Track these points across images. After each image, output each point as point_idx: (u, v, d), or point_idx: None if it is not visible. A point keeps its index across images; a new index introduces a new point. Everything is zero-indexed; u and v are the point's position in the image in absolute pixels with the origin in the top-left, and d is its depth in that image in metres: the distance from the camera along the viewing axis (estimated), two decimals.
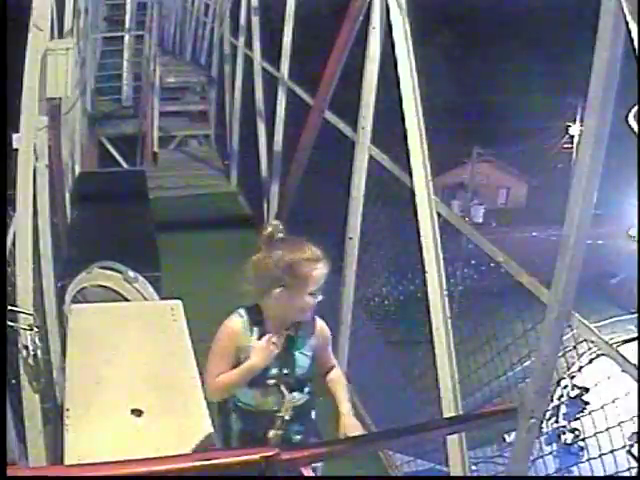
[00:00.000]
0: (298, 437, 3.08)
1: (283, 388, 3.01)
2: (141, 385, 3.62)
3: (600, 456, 3.73)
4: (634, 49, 2.73)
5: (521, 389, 4.02)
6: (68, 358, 3.86)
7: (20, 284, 4.07)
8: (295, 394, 3.04)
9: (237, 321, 3.04)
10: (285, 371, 3.02)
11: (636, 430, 4.16)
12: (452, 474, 4.38)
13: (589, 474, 4.13)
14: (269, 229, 3.01)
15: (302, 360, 3.07)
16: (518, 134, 29.14)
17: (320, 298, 2.98)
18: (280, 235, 3.00)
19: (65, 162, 7.58)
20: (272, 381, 3.01)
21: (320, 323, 3.15)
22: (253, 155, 9.61)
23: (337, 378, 3.25)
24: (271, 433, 2.97)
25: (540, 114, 30.05)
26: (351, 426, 3.04)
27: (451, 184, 29.86)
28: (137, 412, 3.40)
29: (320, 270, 2.94)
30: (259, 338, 2.98)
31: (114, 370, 3.71)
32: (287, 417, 3.00)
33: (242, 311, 3.07)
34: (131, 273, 5.45)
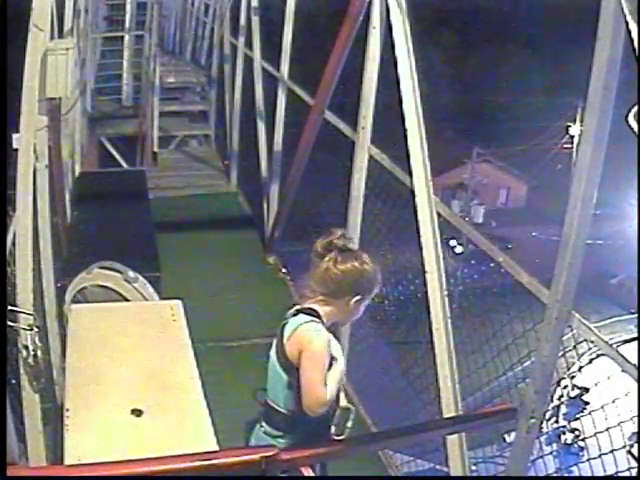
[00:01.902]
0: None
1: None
2: (141, 385, 3.62)
3: (600, 456, 3.73)
4: (634, 49, 2.73)
5: (521, 389, 4.02)
6: (68, 358, 3.85)
7: (20, 284, 4.06)
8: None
9: (323, 330, 3.06)
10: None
11: (636, 430, 4.16)
12: (452, 474, 4.38)
13: (589, 474, 4.13)
14: (342, 241, 3.15)
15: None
16: (518, 134, 29.15)
17: None
18: (350, 245, 3.18)
19: (65, 162, 7.57)
20: None
21: None
22: (253, 155, 9.61)
23: None
24: (333, 428, 3.05)
25: (540, 114, 30.06)
26: None
27: (451, 184, 29.88)
28: (137, 412, 3.39)
29: (380, 280, 3.23)
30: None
31: (114, 370, 3.71)
32: (351, 407, 3.12)
33: (313, 318, 3.08)
34: (131, 273, 5.45)
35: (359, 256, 3.16)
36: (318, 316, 3.07)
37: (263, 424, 3.14)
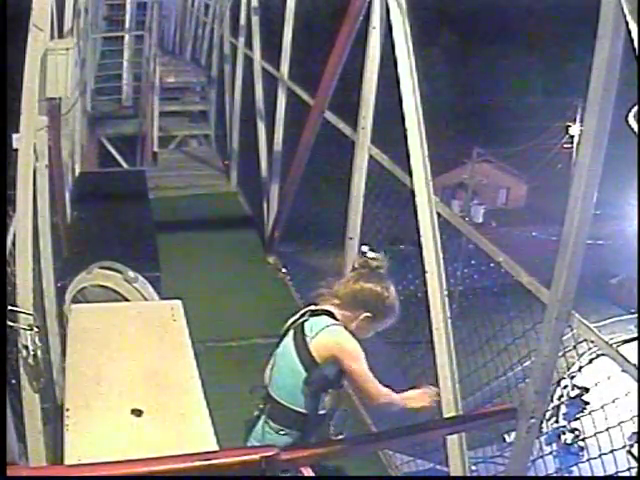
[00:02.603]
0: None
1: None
2: (141, 385, 3.62)
3: (600, 456, 3.73)
4: (634, 49, 2.73)
5: (521, 389, 4.02)
6: (68, 358, 3.85)
7: (20, 284, 4.06)
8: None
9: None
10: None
11: (636, 430, 4.16)
12: (452, 474, 4.38)
13: (589, 474, 4.13)
14: (376, 262, 3.28)
15: None
16: (518, 134, 29.16)
17: None
18: (381, 270, 3.27)
19: (65, 162, 7.57)
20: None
21: None
22: (253, 155, 9.60)
23: None
24: (332, 429, 3.12)
25: (540, 114, 30.07)
26: None
27: (451, 184, 29.89)
28: (137, 412, 3.39)
29: (398, 306, 3.30)
30: None
31: (114, 370, 3.71)
32: (348, 409, 3.23)
33: (332, 319, 3.21)
34: (131, 273, 5.45)
35: (384, 281, 3.28)
36: (335, 319, 3.18)
37: (268, 420, 3.15)
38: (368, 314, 3.22)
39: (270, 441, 3.15)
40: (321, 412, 3.14)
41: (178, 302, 4.45)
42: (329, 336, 3.10)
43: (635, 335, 20.52)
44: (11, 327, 3.97)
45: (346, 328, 3.20)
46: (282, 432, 3.13)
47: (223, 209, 10.18)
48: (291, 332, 3.21)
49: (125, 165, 13.04)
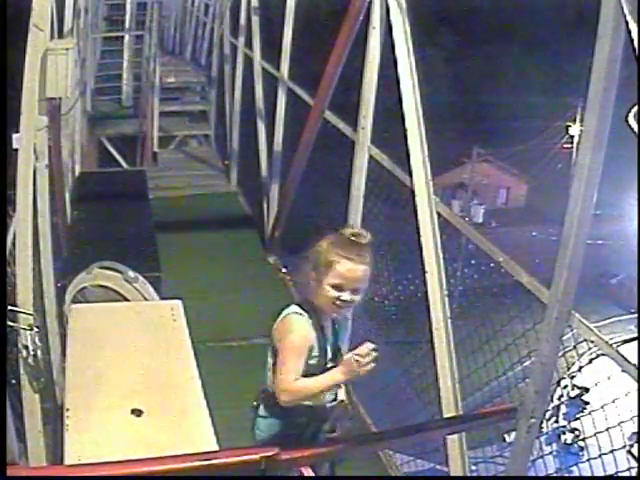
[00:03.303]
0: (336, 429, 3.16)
1: None
2: (141, 385, 3.62)
3: (600, 456, 3.73)
4: (634, 49, 2.73)
5: (521, 389, 4.02)
6: (68, 358, 3.86)
7: (20, 284, 4.06)
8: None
9: (302, 320, 3.05)
10: (333, 364, 3.07)
11: (636, 430, 4.16)
12: (452, 474, 4.38)
13: (589, 474, 4.13)
14: (348, 230, 3.07)
15: (344, 351, 3.14)
16: (518, 134, 29.15)
17: (347, 297, 2.99)
18: (352, 238, 3.03)
19: (65, 162, 7.57)
20: None
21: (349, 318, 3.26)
22: (253, 155, 9.61)
23: None
24: (327, 425, 3.05)
25: (540, 114, 30.07)
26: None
27: (451, 184, 29.88)
28: (137, 412, 3.40)
29: (347, 266, 2.97)
30: (318, 334, 3.06)
31: (114, 370, 3.71)
32: (350, 407, 3.11)
33: (297, 308, 3.08)
34: (131, 273, 5.45)
35: (336, 240, 3.04)
36: (312, 308, 3.07)
37: (260, 406, 3.17)
38: (313, 272, 3.04)
39: (260, 426, 3.16)
40: (319, 402, 3.07)
41: (178, 302, 4.45)
42: (282, 322, 3.06)
43: (635, 335, 20.52)
44: (11, 327, 3.97)
45: (325, 310, 3.05)
46: (268, 417, 3.13)
47: (223, 209, 10.18)
48: None
49: (125, 165, 13.04)
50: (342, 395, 3.16)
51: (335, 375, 2.93)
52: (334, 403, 3.10)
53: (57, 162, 6.39)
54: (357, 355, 2.81)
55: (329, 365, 3.06)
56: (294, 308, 3.08)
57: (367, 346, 2.83)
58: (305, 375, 2.96)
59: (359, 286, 3.01)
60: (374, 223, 5.96)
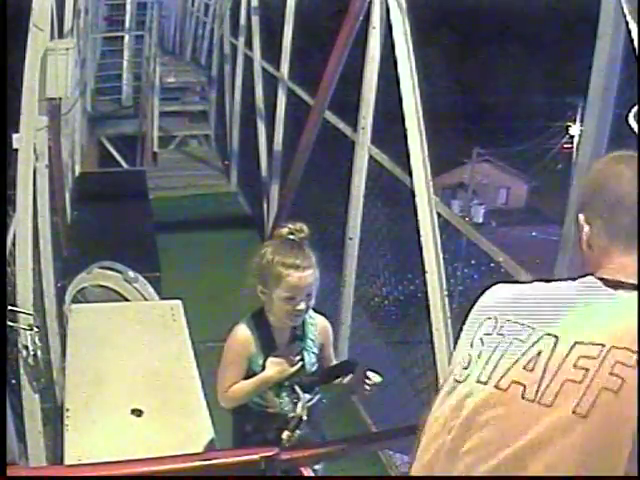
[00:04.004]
0: (308, 438, 3.05)
1: (297, 389, 3.01)
2: (141, 385, 3.62)
3: None
4: (634, 49, 2.73)
5: None
6: (68, 358, 3.86)
7: (20, 284, 4.07)
8: (307, 395, 3.03)
9: (244, 330, 3.04)
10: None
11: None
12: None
13: None
14: (284, 229, 2.99)
15: (310, 360, 3.07)
16: (518, 134, 29.14)
17: (302, 306, 2.92)
18: (290, 237, 2.96)
19: (65, 162, 7.57)
20: (286, 382, 3.01)
21: (322, 321, 3.15)
22: (253, 155, 9.61)
23: None
24: (285, 434, 2.95)
25: (540, 114, 30.07)
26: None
27: (451, 184, 29.87)
28: (137, 412, 3.40)
29: (295, 277, 2.87)
30: (266, 343, 3.00)
31: (114, 370, 3.71)
32: (304, 417, 2.99)
33: (247, 319, 3.08)
34: (131, 273, 5.46)
35: (278, 246, 2.94)
36: (262, 319, 3.03)
37: None
38: (259, 287, 2.96)
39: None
40: (276, 410, 3.01)
41: (178, 302, 4.45)
42: None
43: None
44: (11, 327, 3.98)
45: (280, 320, 2.99)
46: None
47: (223, 209, 10.19)
48: None
49: (125, 165, 13.04)
50: (299, 408, 3.00)
51: (265, 373, 2.95)
52: (292, 414, 2.99)
53: (57, 162, 6.39)
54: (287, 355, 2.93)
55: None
56: (244, 319, 3.08)
57: (298, 344, 2.96)
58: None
59: (311, 291, 2.94)
60: (374, 223, 5.96)
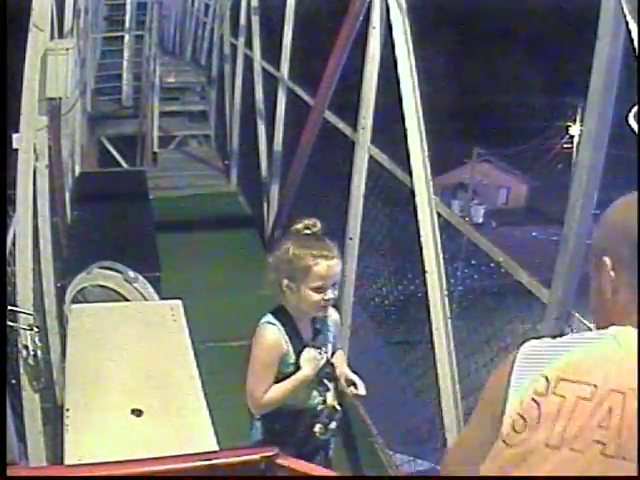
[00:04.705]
0: (335, 430, 3.11)
1: (326, 381, 3.04)
2: (141, 385, 3.62)
3: None
4: (634, 49, 2.73)
5: None
6: (68, 358, 3.85)
7: (20, 284, 4.07)
8: (334, 384, 3.09)
9: (273, 330, 3.02)
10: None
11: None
12: None
13: None
14: (299, 225, 3.03)
15: (329, 351, 3.11)
16: (518, 134, 29.16)
17: (331, 295, 2.98)
18: (307, 232, 3.01)
19: (65, 162, 7.58)
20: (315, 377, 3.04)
21: (334, 312, 3.20)
22: (253, 155, 9.61)
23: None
24: (317, 427, 3.00)
25: (540, 114, 30.08)
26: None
27: (451, 184, 29.90)
28: (137, 412, 3.39)
29: (324, 267, 2.94)
30: (295, 340, 3.01)
31: (114, 370, 3.71)
32: (337, 407, 3.03)
33: (271, 318, 3.06)
34: (131, 273, 5.46)
35: (300, 240, 3.00)
36: (286, 315, 3.05)
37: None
38: (285, 281, 3.00)
39: (254, 427, 3.19)
40: (307, 405, 3.04)
41: (178, 302, 4.45)
42: (255, 333, 3.10)
43: None
44: (11, 327, 3.98)
45: (304, 311, 3.03)
46: (258, 419, 3.13)
47: (223, 209, 10.18)
48: None
49: (125, 165, 13.05)
50: (330, 399, 3.08)
51: (303, 372, 2.96)
52: (323, 406, 3.04)
53: (57, 162, 6.39)
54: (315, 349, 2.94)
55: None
56: (267, 317, 3.06)
57: (321, 337, 2.98)
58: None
59: (337, 280, 3.02)
60: (374, 223, 5.96)
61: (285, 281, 3.00)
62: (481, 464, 1.54)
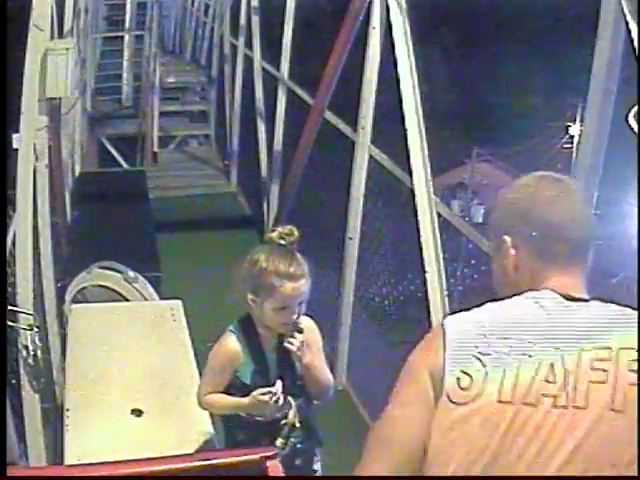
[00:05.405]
0: (302, 444, 3.03)
1: (289, 396, 2.96)
2: (141, 385, 3.62)
3: None
4: (634, 49, 2.73)
5: None
6: (68, 358, 3.86)
7: (20, 284, 4.07)
8: (299, 401, 2.99)
9: (231, 340, 2.97)
10: (286, 378, 2.96)
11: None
12: None
13: None
14: (274, 233, 2.91)
15: (299, 366, 3.00)
16: (518, 134, 29.13)
17: (294, 316, 2.86)
18: (281, 242, 2.88)
19: (65, 162, 7.58)
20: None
21: (306, 322, 3.01)
22: (253, 155, 9.61)
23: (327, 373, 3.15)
24: (278, 442, 2.92)
25: (540, 114, 30.07)
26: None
27: (451, 184, 29.87)
28: (137, 412, 3.40)
29: (289, 288, 2.81)
30: (255, 352, 2.96)
31: (114, 370, 3.71)
32: (297, 424, 2.95)
33: (234, 327, 3.01)
34: (131, 273, 5.45)
35: (269, 253, 2.85)
36: (251, 326, 2.98)
37: None
38: (250, 295, 2.87)
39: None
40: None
41: (178, 302, 4.45)
42: None
43: None
44: (11, 327, 3.98)
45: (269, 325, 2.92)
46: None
47: (223, 209, 10.18)
48: None
49: (125, 165, 13.05)
50: (291, 415, 2.96)
51: (240, 402, 2.90)
52: (284, 422, 2.95)
53: (57, 162, 6.39)
54: (262, 394, 2.81)
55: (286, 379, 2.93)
56: (232, 325, 3.02)
57: (276, 387, 2.82)
58: (248, 392, 2.88)
59: (303, 299, 2.88)
60: (374, 223, 5.96)
61: (250, 295, 2.89)
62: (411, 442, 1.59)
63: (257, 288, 2.87)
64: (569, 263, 1.66)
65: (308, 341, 2.99)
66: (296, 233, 2.90)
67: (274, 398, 2.84)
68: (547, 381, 1.53)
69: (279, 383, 2.86)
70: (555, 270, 1.65)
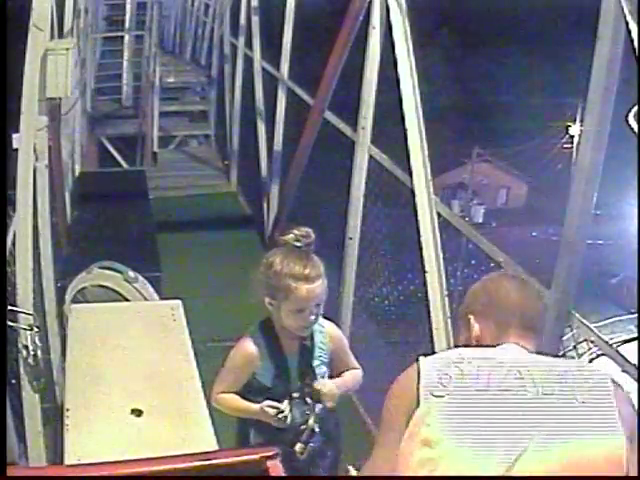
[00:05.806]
0: (324, 449, 3.04)
1: (308, 399, 2.97)
2: (141, 385, 3.61)
3: None
4: (634, 49, 2.73)
5: None
6: (68, 358, 3.85)
7: (20, 284, 4.07)
8: (319, 405, 2.99)
9: (251, 346, 2.98)
10: (307, 382, 2.98)
11: None
12: None
13: None
14: (290, 235, 2.91)
15: (320, 369, 3.03)
16: (518, 134, 29.14)
17: (312, 317, 2.89)
18: (297, 244, 2.89)
19: (65, 162, 7.58)
20: (296, 394, 2.98)
21: (331, 328, 3.11)
22: (253, 155, 9.61)
23: (351, 372, 3.22)
24: (298, 446, 2.92)
25: (540, 114, 30.07)
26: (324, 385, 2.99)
27: (451, 184, 29.87)
28: (137, 412, 3.39)
29: (304, 290, 2.83)
30: (275, 355, 2.97)
31: (114, 370, 3.71)
32: (317, 429, 2.95)
33: (255, 329, 3.03)
34: (131, 273, 5.45)
35: (285, 255, 2.87)
36: (271, 329, 2.99)
37: None
38: (267, 299, 2.90)
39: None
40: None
41: (178, 302, 4.45)
42: None
43: (635, 335, 20.53)
44: (11, 327, 3.98)
45: (288, 328, 2.95)
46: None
47: (223, 209, 10.18)
48: None
49: (125, 165, 13.05)
50: (311, 421, 2.98)
51: (250, 408, 2.95)
52: (304, 427, 2.97)
53: (57, 162, 6.39)
54: (270, 407, 2.87)
55: (307, 382, 2.96)
56: (251, 327, 3.03)
57: (284, 406, 2.87)
58: (266, 396, 2.93)
59: (321, 301, 2.90)
60: (374, 223, 5.96)
61: (267, 298, 2.91)
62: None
63: (273, 291, 2.88)
64: (522, 334, 2.08)
65: (336, 350, 3.09)
66: (312, 235, 2.93)
67: (280, 415, 2.86)
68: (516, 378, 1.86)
69: (286, 403, 2.88)
70: (511, 338, 2.06)
